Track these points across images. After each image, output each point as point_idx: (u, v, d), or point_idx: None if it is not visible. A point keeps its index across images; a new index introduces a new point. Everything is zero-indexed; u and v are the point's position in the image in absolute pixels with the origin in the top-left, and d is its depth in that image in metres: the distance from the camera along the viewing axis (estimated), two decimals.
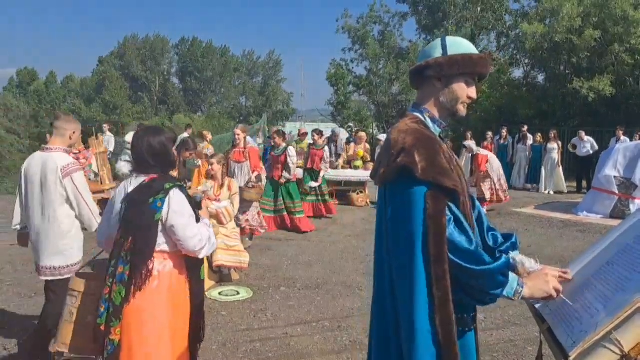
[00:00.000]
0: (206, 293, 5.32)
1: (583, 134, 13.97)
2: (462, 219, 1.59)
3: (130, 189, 2.50)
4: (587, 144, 13.73)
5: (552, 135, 13.99)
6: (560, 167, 13.92)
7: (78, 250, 3.66)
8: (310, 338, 4.26)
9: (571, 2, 18.74)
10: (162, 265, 2.50)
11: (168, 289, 2.50)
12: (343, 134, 15.31)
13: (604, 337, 1.37)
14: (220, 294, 5.35)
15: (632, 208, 9.16)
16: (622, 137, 13.04)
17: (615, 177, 9.70)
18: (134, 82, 53.55)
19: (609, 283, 1.55)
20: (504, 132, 15.29)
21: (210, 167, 5.75)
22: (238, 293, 5.36)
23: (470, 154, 10.77)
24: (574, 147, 14.01)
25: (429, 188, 1.53)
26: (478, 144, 12.10)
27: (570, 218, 9.86)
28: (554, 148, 13.82)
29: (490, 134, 14.65)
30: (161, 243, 2.48)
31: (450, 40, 1.76)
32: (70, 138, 3.68)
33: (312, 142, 9.95)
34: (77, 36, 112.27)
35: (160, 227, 2.45)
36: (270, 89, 54.69)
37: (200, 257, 2.57)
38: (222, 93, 55.84)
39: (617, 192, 9.64)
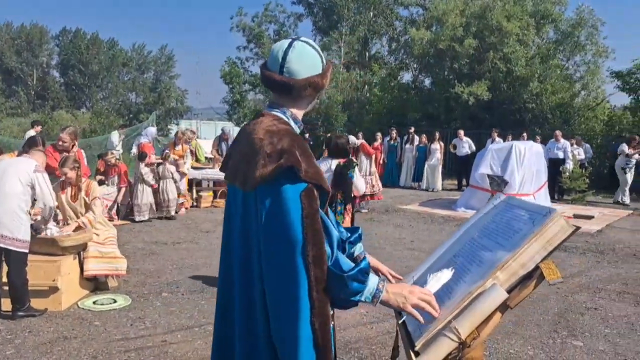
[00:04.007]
0: (79, 303, 4.94)
1: (462, 133, 15.03)
2: (327, 221, 1.57)
3: (333, 166, 4.63)
4: (466, 144, 14.79)
5: (437, 136, 14.89)
6: (440, 166, 14.86)
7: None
8: (190, 344, 4.09)
9: (455, 12, 20.12)
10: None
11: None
12: (235, 132, 15.07)
13: (445, 326, 1.42)
14: (94, 303, 4.96)
15: None
16: (497, 139, 14.22)
17: (488, 175, 10.51)
18: (7, 75, 48.58)
19: (454, 275, 1.61)
20: (394, 133, 15.92)
21: (63, 176, 5.20)
22: (115, 301, 5.01)
23: (354, 147, 10.99)
24: (455, 147, 15.02)
25: (304, 188, 1.49)
26: (369, 144, 12.44)
27: (449, 214, 10.53)
28: (437, 149, 14.71)
29: (379, 134, 15.21)
30: None
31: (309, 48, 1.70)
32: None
33: None
34: None
35: None
36: (162, 85, 52.28)
37: None
38: (109, 88, 52.47)
39: (490, 188, 10.45)
